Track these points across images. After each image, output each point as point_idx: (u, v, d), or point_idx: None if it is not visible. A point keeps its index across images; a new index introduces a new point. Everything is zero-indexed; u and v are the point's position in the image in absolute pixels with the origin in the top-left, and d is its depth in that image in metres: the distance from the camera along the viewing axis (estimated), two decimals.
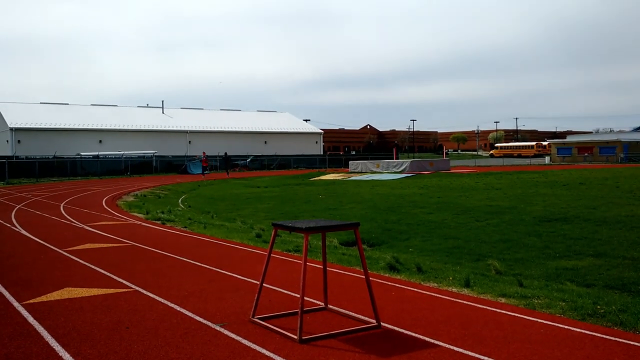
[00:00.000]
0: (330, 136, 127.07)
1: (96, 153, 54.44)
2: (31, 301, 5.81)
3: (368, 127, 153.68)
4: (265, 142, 72.18)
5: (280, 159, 66.25)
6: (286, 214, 15.82)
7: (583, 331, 4.62)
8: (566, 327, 4.75)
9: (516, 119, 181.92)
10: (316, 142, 78.18)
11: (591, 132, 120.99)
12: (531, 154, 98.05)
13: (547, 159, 77.38)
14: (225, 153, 49.45)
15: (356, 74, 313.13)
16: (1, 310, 5.48)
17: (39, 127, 57.31)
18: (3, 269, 7.66)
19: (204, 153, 45.89)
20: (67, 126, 58.79)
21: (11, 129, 55.86)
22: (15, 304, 5.73)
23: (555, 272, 7.58)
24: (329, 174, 44.40)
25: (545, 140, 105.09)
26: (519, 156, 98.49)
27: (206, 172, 44.69)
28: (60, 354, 4.20)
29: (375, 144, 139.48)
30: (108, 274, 7.19)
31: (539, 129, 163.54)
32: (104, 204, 19.22)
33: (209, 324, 4.93)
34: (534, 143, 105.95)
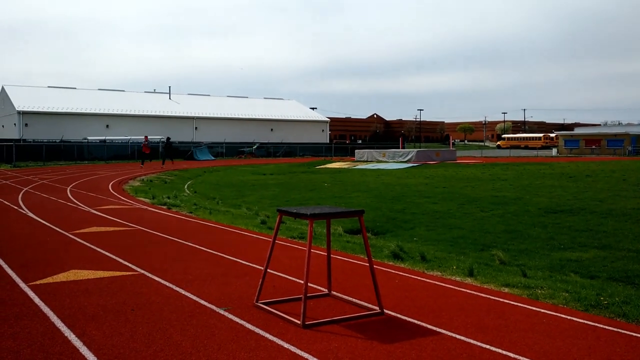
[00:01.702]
0: (337, 125, 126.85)
1: (103, 137, 54.59)
2: (37, 282, 5.86)
3: (375, 116, 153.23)
4: (272, 129, 72.15)
5: (286, 147, 66.25)
6: (291, 201, 15.84)
7: (586, 322, 4.63)
8: (569, 317, 4.76)
9: (524, 110, 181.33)
10: (322, 130, 78.09)
11: (599, 125, 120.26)
12: (538, 145, 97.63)
13: (554, 151, 77.04)
14: (168, 138, 40.37)
15: (364, 63, 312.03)
16: (8, 291, 5.53)
17: (47, 110, 57.47)
18: (10, 250, 7.72)
19: (145, 137, 38.02)
20: (74, 110, 58.93)
21: (19, 112, 56.04)
22: (22, 285, 5.78)
23: (559, 263, 7.58)
24: (335, 162, 44.37)
25: (552, 132, 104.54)
26: (526, 147, 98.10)
27: (146, 160, 37.75)
28: (65, 335, 4.24)
29: (381, 133, 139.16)
30: (114, 257, 7.24)
31: (547, 121, 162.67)
32: (110, 188, 19.30)
33: (214, 307, 4.97)
34: (541, 135, 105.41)
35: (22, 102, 57.87)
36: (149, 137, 40.76)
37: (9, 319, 4.63)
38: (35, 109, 57.09)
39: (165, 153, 37.96)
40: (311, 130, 76.19)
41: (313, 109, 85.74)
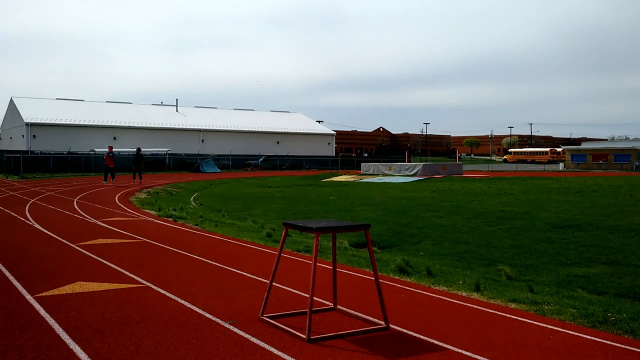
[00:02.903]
0: (343, 138, 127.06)
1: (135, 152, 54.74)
2: (43, 294, 5.87)
3: (381, 129, 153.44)
4: (278, 142, 72.32)
5: (292, 160, 66.36)
6: (297, 214, 15.84)
7: (593, 338, 4.59)
8: (576, 333, 4.72)
9: (530, 124, 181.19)
10: (328, 143, 78.21)
11: (606, 140, 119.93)
12: (545, 160, 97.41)
13: (561, 166, 76.83)
14: (138, 149, 31.63)
15: (370, 76, 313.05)
16: (13, 303, 5.54)
17: (54, 122, 57.85)
18: (16, 261, 7.74)
19: (109, 148, 30.45)
20: (81, 122, 59.30)
21: (27, 124, 56.43)
22: (28, 296, 5.79)
23: (566, 278, 7.54)
24: (341, 175, 44.39)
25: (559, 147, 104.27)
26: (533, 162, 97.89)
27: (110, 174, 30.14)
28: (70, 347, 4.24)
29: (387, 146, 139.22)
30: (119, 269, 7.24)
31: (554, 135, 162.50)
32: (116, 200, 19.35)
33: (219, 321, 4.95)
34: (548, 149, 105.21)
35: (30, 113, 58.29)
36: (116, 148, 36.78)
37: (14, 330, 4.63)
38: (43, 121, 57.48)
39: (134, 167, 30.83)
40: (317, 143, 76.32)
41: (319, 122, 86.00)
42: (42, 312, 5.20)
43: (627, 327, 4.88)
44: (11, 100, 63.85)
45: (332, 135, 79.92)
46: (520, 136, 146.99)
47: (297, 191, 25.75)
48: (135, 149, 32.41)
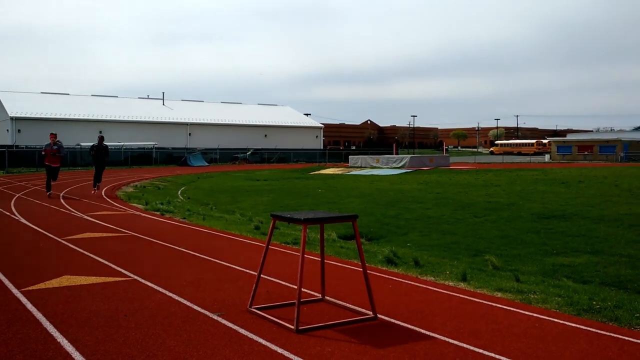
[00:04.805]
0: (331, 131, 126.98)
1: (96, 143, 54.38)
2: (29, 288, 5.83)
3: (368, 122, 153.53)
4: (266, 135, 72.16)
5: (280, 153, 66.27)
6: (285, 207, 15.84)
7: (578, 326, 4.65)
8: (561, 321, 4.78)
9: (517, 116, 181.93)
10: (316, 136, 78.16)
11: (591, 131, 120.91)
12: (531, 151, 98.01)
13: (547, 157, 77.37)
14: (100, 138, 19.89)
15: (357, 69, 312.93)
16: (0, 297, 5.50)
17: (40, 116, 57.29)
18: (2, 256, 7.68)
19: (52, 136, 18.08)
20: (67, 116, 58.78)
21: (11, 118, 55.85)
22: (14, 290, 5.75)
23: (552, 268, 7.61)
24: (329, 168, 44.41)
25: (545, 139, 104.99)
26: (519, 154, 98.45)
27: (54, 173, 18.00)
28: (58, 340, 4.22)
29: (375, 139, 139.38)
30: (107, 262, 7.21)
31: (540, 127, 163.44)
32: (103, 194, 19.23)
33: (207, 313, 4.95)
34: (534, 141, 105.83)
35: (15, 108, 57.68)
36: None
37: (0, 324, 4.60)
38: (28, 115, 56.90)
39: (96, 167, 19.43)
40: (305, 136, 76.25)
41: (307, 115, 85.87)
42: (29, 305, 5.17)
43: (612, 315, 4.94)
44: None
45: (320, 128, 79.86)
46: (506, 128, 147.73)
47: (285, 184, 25.73)
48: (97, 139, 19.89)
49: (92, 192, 19.11)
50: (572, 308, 5.20)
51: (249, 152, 62.67)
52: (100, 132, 21.88)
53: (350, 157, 49.41)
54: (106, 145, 19.82)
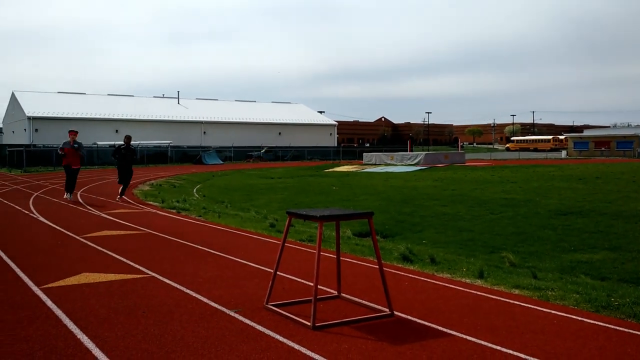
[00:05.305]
0: (345, 128, 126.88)
1: (112, 142, 54.83)
2: (49, 285, 5.91)
3: (383, 119, 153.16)
4: (280, 133, 72.28)
5: (294, 151, 66.32)
6: (300, 204, 15.87)
7: (596, 323, 4.62)
8: (580, 318, 4.75)
9: (533, 112, 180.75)
10: (330, 134, 78.13)
11: (608, 127, 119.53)
12: (548, 147, 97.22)
13: (563, 153, 76.68)
14: (127, 138, 16.66)
15: (371, 66, 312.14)
16: (20, 294, 5.58)
17: (56, 116, 57.86)
18: (22, 254, 7.79)
19: (71, 134, 16.54)
20: (84, 115, 59.31)
21: (29, 118, 56.47)
22: (34, 288, 5.83)
23: (569, 265, 7.56)
24: (343, 165, 44.39)
25: (562, 134, 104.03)
26: (535, 150, 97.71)
27: (73, 176, 16.49)
28: (78, 337, 4.28)
29: (389, 136, 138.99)
30: (125, 260, 7.28)
31: (556, 123, 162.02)
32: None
33: (224, 309, 4.99)
34: (550, 137, 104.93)
35: (32, 107, 58.31)
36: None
37: (22, 321, 4.67)
38: (45, 115, 57.50)
39: (120, 169, 16.47)
40: (319, 133, 76.25)
41: (321, 112, 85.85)
42: (49, 303, 5.24)
43: (630, 312, 4.90)
44: (12, 95, 63.84)
45: (334, 125, 79.81)
46: (522, 124, 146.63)
47: (299, 182, 25.77)
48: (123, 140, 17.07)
49: (117, 199, 16.30)
50: (591, 305, 5.16)
51: (263, 150, 62.79)
52: (129, 137, 15.78)
53: (364, 155, 49.35)
54: (134, 147, 17.13)
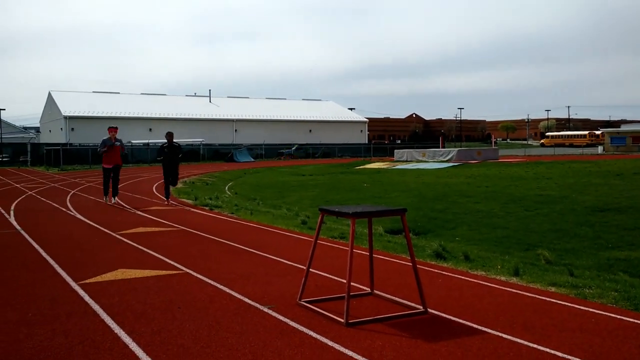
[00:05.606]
0: (375, 125, 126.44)
1: (146, 141, 55.71)
2: (87, 281, 6.03)
3: (414, 115, 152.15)
4: (310, 130, 72.40)
5: (324, 148, 66.36)
6: (331, 201, 15.86)
7: (636, 321, 4.51)
8: (618, 316, 4.64)
9: (568, 107, 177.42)
10: (361, 130, 77.92)
11: None
12: (583, 143, 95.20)
13: (600, 149, 74.99)
14: (169, 134, 15.46)
15: (402, 62, 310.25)
16: (58, 290, 5.71)
17: (92, 115, 59.03)
18: (60, 250, 7.96)
19: (111, 131, 14.96)
20: (118, 114, 60.35)
21: (65, 117, 57.72)
22: (72, 283, 5.96)
23: (607, 262, 7.40)
24: (374, 162, 44.23)
25: (598, 130, 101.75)
26: (571, 145, 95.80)
27: (115, 176, 15.32)
28: (115, 332, 4.35)
29: (421, 132, 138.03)
30: (159, 256, 7.39)
31: (592, 118, 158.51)
32: (154, 190, 19.69)
33: (258, 305, 5.02)
34: (586, 132, 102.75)
35: (68, 107, 59.58)
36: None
37: (60, 316, 4.78)
38: (80, 114, 58.70)
39: (166, 169, 15.49)
40: (349, 131, 76.13)
41: (351, 109, 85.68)
42: (87, 298, 5.35)
43: None
44: (49, 95, 65.34)
45: (365, 122, 79.58)
46: (557, 119, 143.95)
47: (330, 179, 25.77)
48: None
49: (166, 202, 15.14)
50: (629, 303, 5.04)
51: (294, 148, 62.97)
52: (171, 133, 14.49)
53: (395, 151, 49.08)
54: (178, 144, 15.61)
